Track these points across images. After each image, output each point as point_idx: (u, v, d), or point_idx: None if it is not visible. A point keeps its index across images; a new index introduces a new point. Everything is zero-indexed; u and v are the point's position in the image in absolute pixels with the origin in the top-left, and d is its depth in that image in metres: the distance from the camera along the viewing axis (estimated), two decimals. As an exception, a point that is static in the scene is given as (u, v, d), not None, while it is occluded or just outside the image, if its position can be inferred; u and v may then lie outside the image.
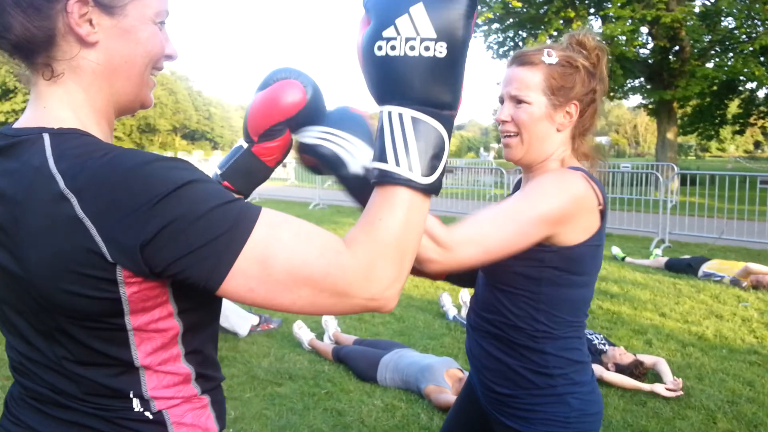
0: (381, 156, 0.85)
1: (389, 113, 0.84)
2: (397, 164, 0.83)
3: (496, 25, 20.91)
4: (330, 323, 4.95)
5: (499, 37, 21.40)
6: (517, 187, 1.71)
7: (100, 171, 0.81)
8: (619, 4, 16.88)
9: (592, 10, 19.62)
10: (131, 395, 0.91)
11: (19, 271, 0.84)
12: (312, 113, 1.14)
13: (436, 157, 0.85)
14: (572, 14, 18.16)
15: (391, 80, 0.84)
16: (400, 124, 0.84)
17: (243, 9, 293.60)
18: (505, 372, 1.56)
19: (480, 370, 1.64)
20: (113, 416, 0.91)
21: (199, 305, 0.93)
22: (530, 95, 1.47)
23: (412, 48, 0.81)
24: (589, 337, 4.44)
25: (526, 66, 1.49)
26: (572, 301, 1.51)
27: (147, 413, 0.92)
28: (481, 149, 49.81)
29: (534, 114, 1.48)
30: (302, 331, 4.78)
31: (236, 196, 0.86)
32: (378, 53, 0.83)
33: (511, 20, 20.30)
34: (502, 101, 1.54)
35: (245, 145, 1.21)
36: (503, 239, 1.35)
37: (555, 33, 17.82)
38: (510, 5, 18.63)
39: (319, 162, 1.15)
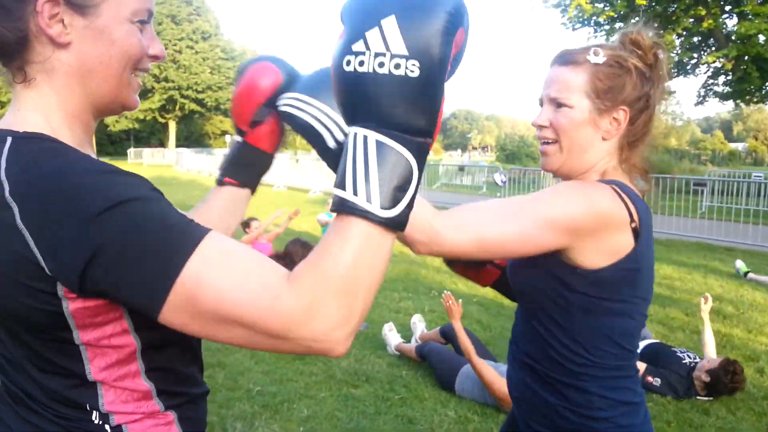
0: (341, 181, 0.76)
1: (354, 135, 0.76)
2: (355, 193, 0.74)
3: (619, 24, 19.96)
4: (418, 325, 4.91)
5: (622, 36, 20.43)
6: None
7: (40, 179, 0.78)
8: (758, 1, 15.63)
9: (727, 8, 18.29)
10: (88, 407, 0.88)
11: None
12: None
13: (401, 188, 0.75)
14: (703, 12, 16.98)
15: (358, 99, 0.76)
16: (364, 147, 0.75)
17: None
18: (543, 409, 1.41)
19: (518, 403, 1.50)
20: (73, 426, 0.88)
21: (157, 323, 0.83)
22: (572, 98, 1.31)
23: (381, 65, 0.72)
24: (679, 355, 4.11)
25: (569, 65, 1.33)
26: (613, 332, 1.32)
27: (106, 426, 0.89)
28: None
29: (575, 119, 1.31)
30: (391, 334, 4.76)
31: (185, 213, 0.82)
32: (346, 68, 0.74)
33: (636, 18, 19.30)
34: (542, 104, 1.39)
35: (240, 139, 1.20)
36: (499, 233, 1.23)
37: (683, 32, 16.76)
38: (635, 2, 17.71)
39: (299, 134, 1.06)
